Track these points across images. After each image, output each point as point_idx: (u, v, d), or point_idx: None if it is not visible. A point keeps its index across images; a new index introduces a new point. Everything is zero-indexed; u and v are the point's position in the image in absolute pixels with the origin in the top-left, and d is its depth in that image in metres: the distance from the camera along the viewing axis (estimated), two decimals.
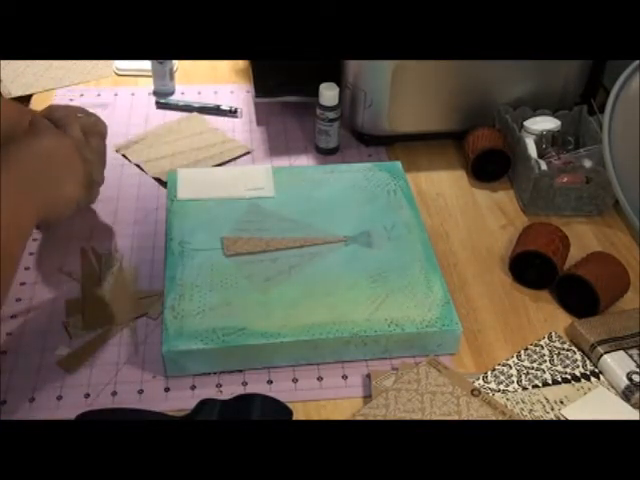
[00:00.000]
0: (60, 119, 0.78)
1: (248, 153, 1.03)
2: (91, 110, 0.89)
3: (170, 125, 1.07)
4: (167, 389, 0.72)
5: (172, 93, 1.13)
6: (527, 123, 0.97)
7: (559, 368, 0.75)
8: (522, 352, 0.76)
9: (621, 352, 0.74)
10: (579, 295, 0.79)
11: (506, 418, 0.67)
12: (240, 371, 0.74)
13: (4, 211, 0.64)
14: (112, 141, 1.02)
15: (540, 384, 0.73)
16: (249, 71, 1.09)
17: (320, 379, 0.73)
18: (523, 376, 0.74)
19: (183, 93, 1.14)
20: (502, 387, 0.73)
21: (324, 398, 0.72)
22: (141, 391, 0.71)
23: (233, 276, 0.78)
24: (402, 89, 0.96)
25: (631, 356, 0.74)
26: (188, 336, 0.71)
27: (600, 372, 0.74)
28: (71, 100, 1.10)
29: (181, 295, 0.75)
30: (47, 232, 0.87)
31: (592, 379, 0.74)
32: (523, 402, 0.71)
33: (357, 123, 1.02)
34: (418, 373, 0.71)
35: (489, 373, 0.74)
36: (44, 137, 0.74)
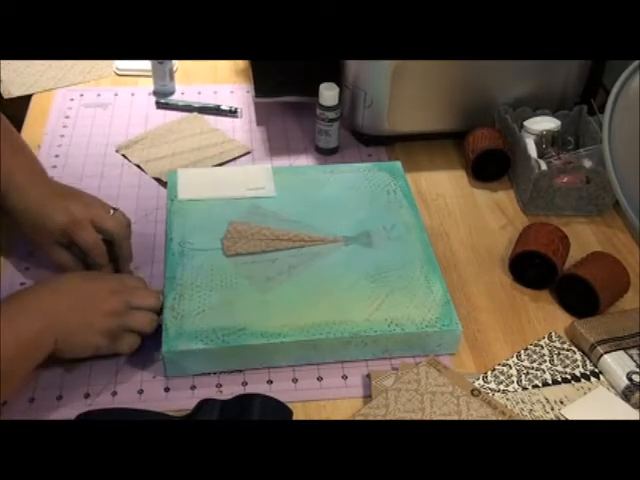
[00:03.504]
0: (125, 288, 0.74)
1: (248, 153, 1.03)
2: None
3: (170, 125, 1.07)
4: (167, 389, 0.72)
5: (172, 93, 1.13)
6: (527, 123, 0.97)
7: (559, 368, 0.75)
8: (522, 352, 0.76)
9: (621, 352, 0.74)
10: (579, 295, 0.79)
11: (506, 418, 0.67)
12: (240, 371, 0.74)
13: (26, 329, 0.65)
14: (112, 141, 1.03)
15: (540, 384, 0.73)
16: (249, 71, 1.09)
17: (320, 379, 0.73)
18: (523, 376, 0.74)
19: (183, 93, 1.14)
20: (502, 387, 0.73)
21: (324, 398, 0.72)
22: (141, 391, 0.71)
23: (233, 276, 0.78)
24: (402, 89, 0.96)
25: (631, 356, 0.74)
26: (188, 336, 0.71)
27: (600, 372, 0.74)
28: (72, 100, 1.10)
29: (181, 295, 0.75)
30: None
31: (592, 379, 0.74)
32: (523, 402, 0.71)
33: (357, 123, 1.02)
34: (418, 373, 0.71)
35: (489, 373, 0.74)
36: (92, 281, 0.72)
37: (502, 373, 0.74)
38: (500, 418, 0.67)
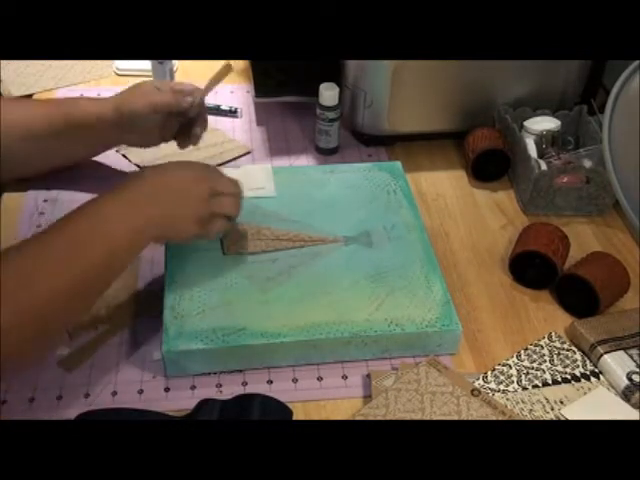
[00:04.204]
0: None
1: (248, 153, 1.03)
2: None
3: None
4: (167, 389, 0.72)
5: None
6: (527, 123, 0.97)
7: (559, 368, 0.75)
8: (522, 352, 0.76)
9: (621, 352, 0.74)
10: (579, 295, 0.79)
11: (506, 418, 0.67)
12: (240, 371, 0.74)
13: (133, 221, 0.69)
14: None
15: (540, 384, 0.73)
16: (249, 71, 1.09)
17: (320, 379, 0.73)
18: (523, 376, 0.74)
19: None
20: (502, 387, 0.73)
21: (324, 398, 0.72)
22: (141, 391, 0.71)
23: (233, 276, 0.78)
24: (402, 89, 0.96)
25: (631, 356, 0.74)
26: (188, 336, 0.71)
27: (600, 372, 0.74)
28: None
29: (181, 295, 0.75)
30: None
31: (592, 379, 0.74)
32: (523, 402, 0.71)
33: (357, 123, 1.02)
34: (418, 373, 0.71)
35: (489, 373, 0.74)
36: (182, 170, 0.76)
37: (502, 373, 0.74)
38: (500, 418, 0.67)
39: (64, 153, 0.90)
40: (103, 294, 0.70)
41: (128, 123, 0.86)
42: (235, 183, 0.78)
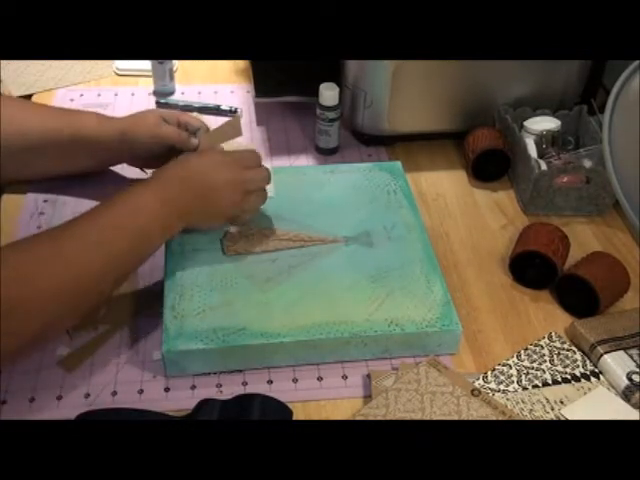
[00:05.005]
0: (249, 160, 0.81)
1: None
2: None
3: None
4: (167, 389, 0.72)
5: (172, 93, 1.13)
6: (527, 123, 0.97)
7: (559, 368, 0.75)
8: (522, 352, 0.76)
9: (621, 352, 0.74)
10: (579, 295, 0.79)
11: (506, 418, 0.67)
12: (240, 371, 0.74)
13: (158, 214, 0.72)
14: None
15: (540, 384, 0.73)
16: (249, 71, 1.09)
17: (320, 379, 0.73)
18: (523, 376, 0.74)
19: (183, 93, 1.14)
20: (502, 387, 0.73)
21: (324, 398, 0.72)
22: (141, 391, 0.71)
23: (233, 276, 0.78)
24: (402, 89, 0.96)
25: (631, 356, 0.74)
26: (188, 336, 0.71)
27: (600, 372, 0.74)
28: (72, 100, 1.10)
29: (181, 295, 0.75)
30: None
31: (592, 379, 0.74)
32: (523, 402, 0.71)
33: (357, 123, 1.02)
34: (418, 373, 0.71)
35: (489, 373, 0.74)
36: (226, 172, 0.78)
37: (502, 373, 0.74)
38: (500, 418, 0.67)
39: (61, 165, 0.90)
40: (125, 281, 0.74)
41: (130, 148, 0.87)
42: (267, 174, 0.81)
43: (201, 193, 0.76)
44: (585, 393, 0.72)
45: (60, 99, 1.11)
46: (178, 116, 0.88)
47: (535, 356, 0.76)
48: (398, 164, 0.95)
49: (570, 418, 0.70)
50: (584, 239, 0.91)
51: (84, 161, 0.90)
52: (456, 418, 0.67)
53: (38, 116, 0.87)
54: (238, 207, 0.79)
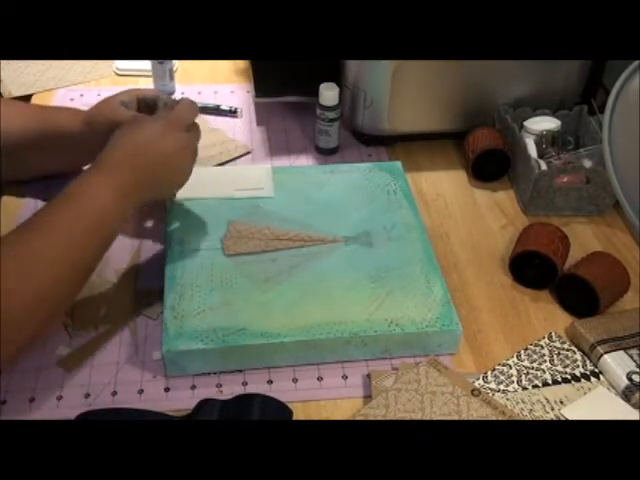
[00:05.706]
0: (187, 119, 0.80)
1: (248, 153, 1.03)
2: None
3: None
4: (167, 389, 0.72)
5: (172, 93, 1.13)
6: (527, 123, 0.97)
7: (559, 368, 0.75)
8: (522, 352, 0.76)
9: (621, 352, 0.74)
10: (579, 295, 0.79)
11: (506, 418, 0.67)
12: (240, 371, 0.74)
13: (122, 180, 0.71)
14: None
15: (540, 384, 0.73)
16: (249, 71, 1.09)
17: (320, 379, 0.73)
18: (523, 376, 0.74)
19: (183, 93, 1.14)
20: (502, 387, 0.73)
21: (324, 398, 0.72)
22: (141, 391, 0.71)
23: (233, 276, 0.78)
24: (402, 89, 0.96)
25: (631, 356, 0.74)
26: (188, 336, 0.71)
27: (600, 372, 0.74)
28: (72, 100, 1.10)
29: (181, 295, 0.75)
30: None
31: (592, 379, 0.74)
32: (523, 402, 0.71)
33: (357, 123, 1.02)
34: (418, 373, 0.71)
35: (489, 373, 0.74)
36: (172, 139, 0.76)
37: (502, 373, 0.74)
38: (500, 418, 0.67)
39: (47, 163, 0.90)
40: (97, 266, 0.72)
41: (93, 139, 0.82)
42: (194, 109, 0.79)
43: (152, 169, 0.74)
44: (585, 393, 0.72)
45: (60, 99, 1.11)
46: (137, 94, 0.86)
47: (535, 356, 0.76)
48: (398, 164, 0.95)
49: (570, 418, 0.70)
50: (584, 239, 0.91)
51: (67, 157, 0.89)
52: (456, 418, 0.67)
53: (19, 116, 0.87)
54: (189, 170, 0.78)
